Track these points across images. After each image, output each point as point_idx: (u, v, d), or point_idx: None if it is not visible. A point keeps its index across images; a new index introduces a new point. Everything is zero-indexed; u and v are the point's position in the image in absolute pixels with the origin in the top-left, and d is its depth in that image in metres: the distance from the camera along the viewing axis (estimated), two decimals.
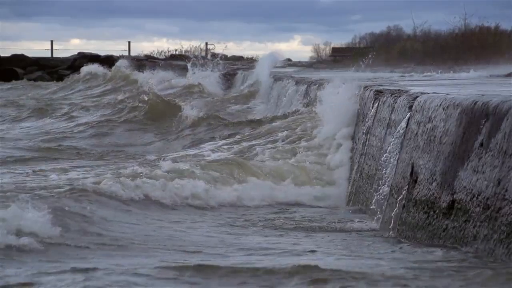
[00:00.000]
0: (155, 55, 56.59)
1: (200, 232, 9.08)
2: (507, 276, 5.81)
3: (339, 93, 13.87)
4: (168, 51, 59.06)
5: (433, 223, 7.64)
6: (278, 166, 12.76)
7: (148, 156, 15.77)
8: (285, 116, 17.83)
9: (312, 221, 9.93)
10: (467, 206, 6.98)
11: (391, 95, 10.59)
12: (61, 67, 52.73)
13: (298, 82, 22.27)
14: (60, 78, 48.51)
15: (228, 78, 36.05)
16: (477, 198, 6.83)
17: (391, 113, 10.20)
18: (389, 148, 9.60)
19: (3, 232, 7.35)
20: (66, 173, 12.58)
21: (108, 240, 8.05)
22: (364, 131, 11.80)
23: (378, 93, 11.52)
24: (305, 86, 20.46)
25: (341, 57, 52.57)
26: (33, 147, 17.57)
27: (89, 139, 19.52)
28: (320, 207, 11.30)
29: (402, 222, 8.41)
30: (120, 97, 28.67)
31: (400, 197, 8.66)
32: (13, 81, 48.48)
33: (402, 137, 9.21)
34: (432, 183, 7.86)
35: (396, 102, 10.08)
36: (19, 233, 7.45)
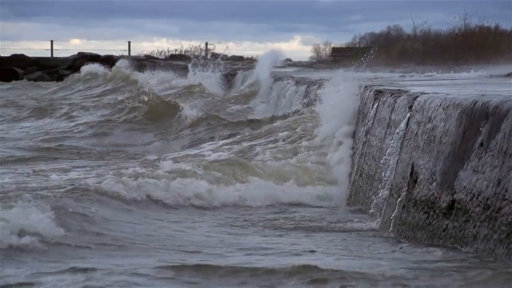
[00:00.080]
0: (155, 55, 56.63)
1: (200, 232, 9.07)
2: (507, 276, 5.81)
3: (340, 91, 13.86)
4: (168, 51, 59.14)
5: (433, 223, 7.64)
6: (280, 166, 12.75)
7: (148, 156, 15.77)
8: (285, 116, 17.83)
9: (312, 221, 9.92)
10: (467, 206, 6.98)
11: (391, 95, 10.59)
12: (61, 67, 52.74)
13: (298, 82, 22.27)
14: (60, 78, 48.52)
15: (229, 79, 35.98)
16: (477, 198, 6.83)
17: (391, 113, 10.20)
18: (389, 148, 9.60)
19: (5, 232, 7.34)
20: (67, 173, 12.58)
21: (108, 240, 8.05)
22: (364, 131, 11.79)
23: (378, 93, 11.52)
24: (305, 86, 20.46)
25: (341, 57, 52.59)
26: (33, 147, 17.57)
27: (89, 139, 19.52)
28: (321, 207, 11.29)
29: (402, 222, 8.41)
30: (120, 97, 28.67)
31: (400, 197, 8.66)
32: (13, 81, 48.51)
33: (402, 137, 9.21)
34: (432, 183, 7.86)
35: (396, 102, 10.08)
36: (21, 233, 7.45)
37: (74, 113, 24.68)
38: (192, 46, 61.61)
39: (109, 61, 48.21)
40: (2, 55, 55.25)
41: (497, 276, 5.84)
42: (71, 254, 7.30)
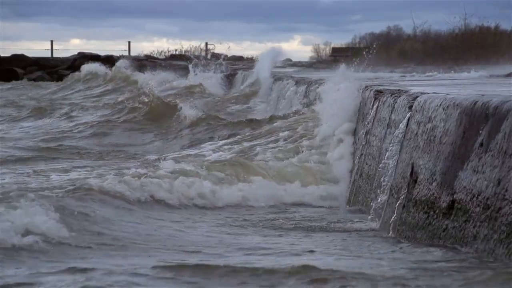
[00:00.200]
0: (155, 55, 56.61)
1: (200, 232, 9.07)
2: (507, 276, 5.80)
3: (340, 89, 13.84)
4: (168, 51, 59.10)
5: (433, 223, 7.63)
6: (282, 166, 12.72)
7: (148, 156, 15.77)
8: (285, 116, 17.82)
9: (312, 221, 9.92)
10: (467, 206, 6.98)
11: (391, 95, 10.59)
12: (61, 67, 52.73)
13: (298, 82, 22.27)
14: (60, 78, 48.50)
15: (230, 79, 35.88)
16: (477, 198, 6.83)
17: (391, 113, 10.19)
18: (389, 148, 9.59)
19: (7, 232, 7.34)
20: (67, 173, 12.58)
21: (109, 240, 8.05)
22: (364, 131, 11.79)
23: (378, 93, 11.51)
24: (305, 86, 20.46)
25: (341, 57, 52.59)
26: (33, 147, 17.57)
27: (89, 139, 19.51)
28: (321, 207, 11.28)
29: (402, 222, 8.41)
30: (120, 98, 28.65)
31: (400, 197, 8.66)
32: (13, 81, 48.49)
33: (402, 137, 9.21)
34: (432, 183, 7.86)
35: (396, 102, 10.08)
36: (24, 233, 7.44)
37: (74, 113, 24.67)
38: (192, 46, 61.65)
39: (109, 61, 48.21)
40: (2, 55, 55.28)
41: (497, 276, 5.84)
42: (72, 254, 7.30)
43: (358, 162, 11.76)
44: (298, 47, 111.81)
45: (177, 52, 57.55)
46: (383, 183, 9.55)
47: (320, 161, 12.92)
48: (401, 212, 8.51)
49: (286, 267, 6.26)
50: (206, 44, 59.61)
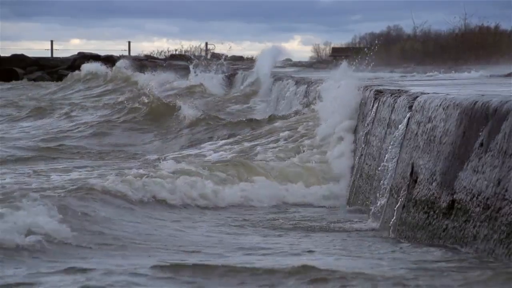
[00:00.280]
0: (155, 55, 56.62)
1: (200, 231, 9.07)
2: (507, 276, 5.80)
3: (341, 86, 13.82)
4: (168, 51, 59.12)
5: (433, 223, 7.63)
6: (285, 166, 12.71)
7: (148, 156, 15.77)
8: (286, 116, 17.82)
9: (312, 221, 9.92)
10: (467, 206, 6.98)
11: (391, 95, 10.58)
12: (61, 67, 52.74)
13: (298, 82, 22.28)
14: (60, 78, 48.50)
15: (230, 79, 35.78)
16: (477, 198, 6.83)
17: (391, 113, 10.19)
18: (389, 148, 9.59)
19: (10, 232, 7.34)
20: (68, 173, 12.58)
21: (110, 240, 8.05)
22: (364, 131, 11.79)
23: (378, 93, 11.51)
24: (305, 86, 20.46)
25: (341, 57, 52.57)
26: (33, 147, 17.56)
27: (89, 139, 19.51)
28: (322, 206, 11.28)
29: (402, 222, 8.41)
30: (120, 98, 28.64)
31: (400, 197, 8.65)
32: (13, 81, 48.51)
33: (402, 137, 9.21)
34: (432, 183, 7.85)
35: (396, 102, 10.07)
36: (26, 232, 7.44)
37: (74, 113, 24.68)
38: (192, 46, 61.67)
39: (109, 61, 48.20)
40: (2, 55, 55.29)
41: (497, 276, 5.83)
42: (73, 253, 7.30)
43: (358, 162, 11.76)
44: (298, 47, 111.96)
45: (177, 52, 57.57)
46: (383, 183, 9.55)
47: (322, 161, 12.90)
48: (401, 212, 8.50)
49: (286, 267, 6.26)
50: (206, 44, 59.65)
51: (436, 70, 31.39)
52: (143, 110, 22.37)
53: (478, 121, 7.10)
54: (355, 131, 12.87)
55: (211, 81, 33.97)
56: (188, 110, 20.86)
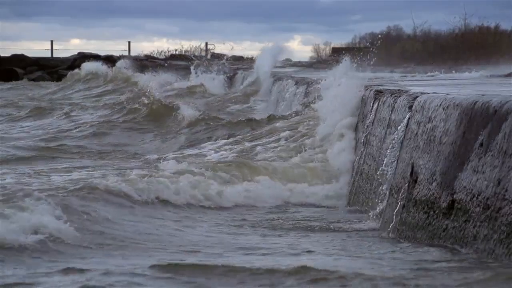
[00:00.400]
0: (155, 55, 56.58)
1: (200, 231, 9.07)
2: (507, 276, 5.80)
3: (341, 84, 13.80)
4: (168, 51, 59.05)
5: (433, 223, 7.63)
6: (288, 166, 12.69)
7: (148, 156, 15.76)
8: (286, 116, 17.80)
9: (312, 221, 9.91)
10: (467, 206, 6.97)
11: (391, 95, 10.58)
12: (61, 67, 52.71)
13: (298, 82, 22.27)
14: (60, 78, 48.48)
15: (231, 80, 35.69)
16: (477, 198, 6.82)
17: (391, 113, 10.19)
18: (389, 148, 9.59)
19: (9, 232, 7.33)
20: (68, 173, 12.57)
21: (110, 240, 8.04)
22: (364, 130, 11.78)
23: (378, 93, 11.51)
24: (305, 86, 20.46)
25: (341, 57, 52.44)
26: (33, 147, 17.56)
27: (89, 139, 19.51)
28: (322, 206, 11.27)
29: (402, 222, 8.40)
30: (120, 99, 28.63)
31: (400, 197, 8.65)
32: (13, 81, 48.48)
33: (402, 137, 9.20)
34: (432, 183, 7.85)
35: (396, 102, 10.07)
36: (26, 232, 7.44)
37: (74, 113, 24.68)
38: (192, 46, 61.61)
39: (109, 61, 48.18)
40: (2, 55, 55.25)
41: (497, 276, 5.83)
42: (74, 253, 7.30)
43: (358, 162, 11.75)
44: (298, 47, 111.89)
45: (177, 52, 57.53)
46: (383, 183, 9.55)
47: (323, 160, 12.89)
48: (401, 212, 8.50)
49: (286, 267, 6.26)
50: (206, 44, 59.63)
51: (436, 70, 31.38)
52: (143, 111, 22.38)
53: (478, 121, 7.10)
54: (355, 128, 12.85)
55: (212, 82, 33.84)
56: (188, 110, 20.86)
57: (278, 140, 15.00)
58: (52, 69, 52.83)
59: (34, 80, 49.74)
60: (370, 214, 9.79)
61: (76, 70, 45.00)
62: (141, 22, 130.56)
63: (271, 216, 10.35)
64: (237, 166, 12.39)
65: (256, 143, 15.37)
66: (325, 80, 15.62)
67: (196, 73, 35.32)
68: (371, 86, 12.68)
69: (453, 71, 31.31)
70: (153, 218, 9.68)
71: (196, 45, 61.73)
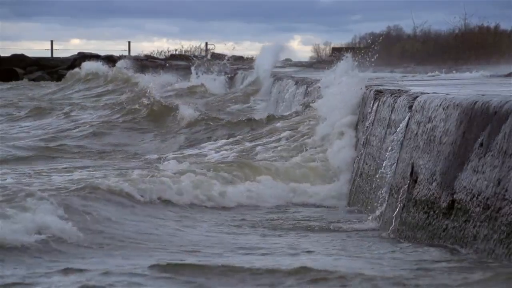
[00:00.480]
0: (155, 55, 56.57)
1: (200, 231, 9.07)
2: (507, 276, 5.80)
3: (342, 82, 13.78)
4: (168, 51, 59.04)
5: (433, 223, 7.63)
6: (289, 166, 12.67)
7: (149, 156, 15.76)
8: (286, 116, 17.80)
9: (312, 221, 9.91)
10: (467, 206, 6.97)
11: (391, 95, 10.58)
12: (61, 67, 52.70)
13: (298, 82, 22.27)
14: (60, 78, 48.46)
15: (233, 81, 35.62)
16: (477, 198, 6.82)
17: (391, 113, 10.19)
18: (389, 148, 9.59)
19: (11, 232, 7.33)
20: (69, 173, 12.57)
21: (110, 239, 8.04)
22: (364, 130, 11.78)
23: (378, 93, 11.51)
24: (305, 86, 20.46)
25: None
26: (33, 147, 17.56)
27: (89, 139, 19.51)
28: (322, 206, 11.26)
29: (402, 222, 8.40)
30: (120, 99, 28.63)
31: (400, 197, 8.65)
32: (13, 81, 48.46)
33: (402, 137, 9.20)
34: (432, 183, 7.85)
35: (396, 102, 10.07)
36: (27, 232, 7.44)
37: (74, 113, 24.68)
38: (192, 46, 61.62)
39: (109, 61, 48.17)
40: (2, 55, 55.22)
41: (497, 276, 5.83)
42: (75, 253, 7.30)
43: (358, 162, 11.75)
44: (298, 47, 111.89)
45: (177, 52, 57.52)
46: (383, 183, 9.54)
47: (324, 159, 12.87)
48: (401, 212, 8.50)
49: (286, 267, 6.26)
50: (206, 44, 59.63)
51: (436, 70, 31.37)
52: (144, 111, 22.38)
53: (478, 121, 7.09)
54: (356, 126, 12.83)
55: (213, 82, 33.78)
56: (187, 110, 20.85)
57: (279, 140, 14.99)
58: (52, 69, 52.82)
59: (34, 80, 49.73)
60: (370, 214, 9.79)
61: (76, 70, 44.97)
62: (141, 22, 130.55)
63: (271, 216, 10.35)
64: (238, 166, 12.38)
65: (256, 143, 15.37)
66: (324, 77, 15.58)
67: (196, 74, 35.28)
68: (371, 86, 12.68)
69: (453, 71, 31.30)
70: (154, 218, 9.68)
71: (196, 45, 61.78)
